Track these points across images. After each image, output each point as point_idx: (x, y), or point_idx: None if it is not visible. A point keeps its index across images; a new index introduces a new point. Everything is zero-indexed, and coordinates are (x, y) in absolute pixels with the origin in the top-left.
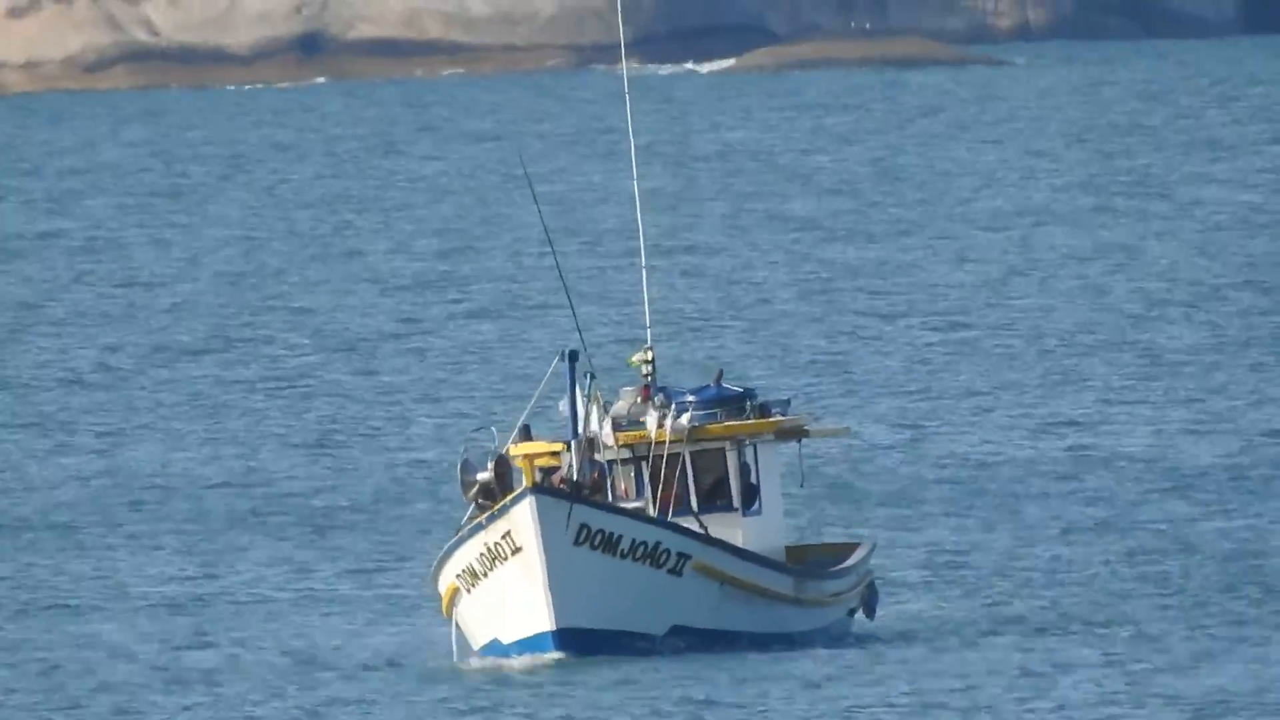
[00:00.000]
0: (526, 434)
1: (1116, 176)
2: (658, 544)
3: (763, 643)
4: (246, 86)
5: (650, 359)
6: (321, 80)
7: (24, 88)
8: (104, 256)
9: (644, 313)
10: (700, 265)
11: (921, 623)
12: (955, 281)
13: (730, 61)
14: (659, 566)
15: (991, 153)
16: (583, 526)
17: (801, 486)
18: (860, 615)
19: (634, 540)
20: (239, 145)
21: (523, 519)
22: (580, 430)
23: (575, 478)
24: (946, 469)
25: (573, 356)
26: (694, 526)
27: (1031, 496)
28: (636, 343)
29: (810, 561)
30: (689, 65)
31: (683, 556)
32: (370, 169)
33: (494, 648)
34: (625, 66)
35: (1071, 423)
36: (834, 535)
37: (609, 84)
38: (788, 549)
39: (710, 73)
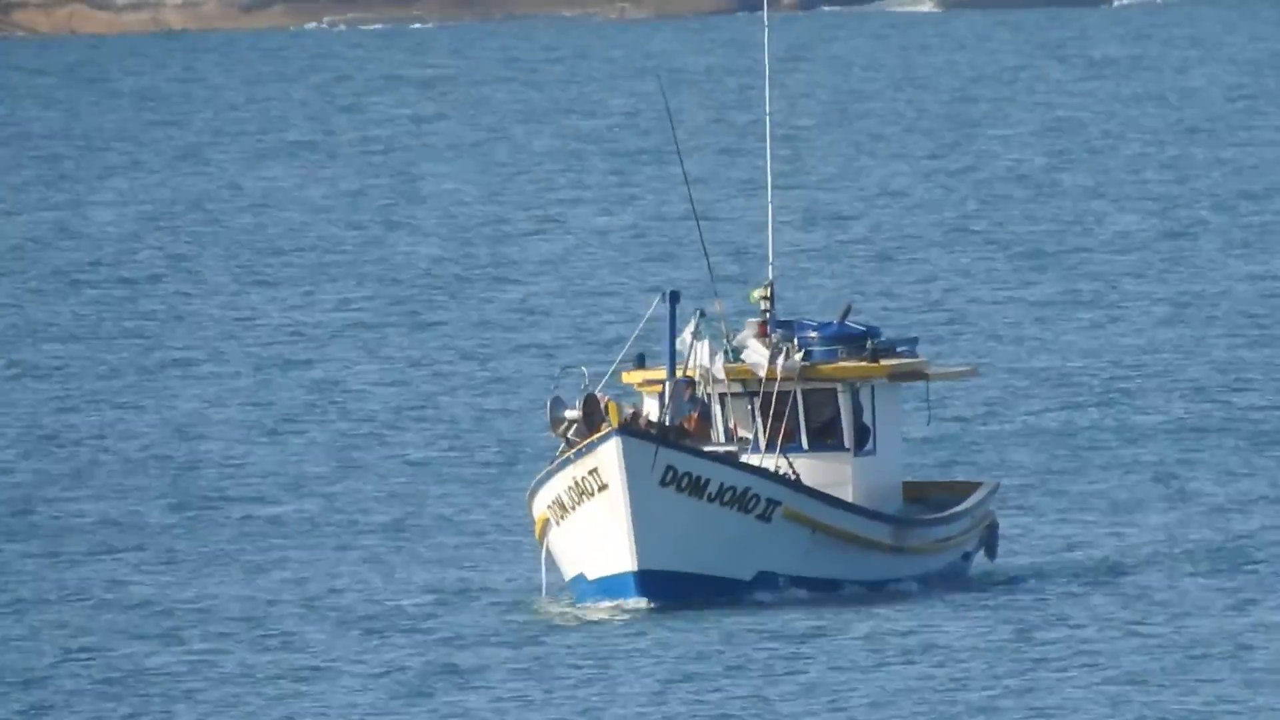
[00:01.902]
0: (641, 363)
1: None
2: (747, 489)
3: (857, 591)
4: (412, 24)
5: (769, 294)
6: (477, 20)
7: (183, 25)
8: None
9: (768, 248)
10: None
11: (1036, 573)
12: (1129, 228)
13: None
14: (747, 512)
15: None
16: (669, 469)
17: (928, 424)
18: (981, 557)
19: (722, 484)
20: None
21: (609, 458)
22: (679, 373)
23: (669, 420)
24: (1084, 422)
25: (674, 298)
26: (795, 466)
27: (1178, 462)
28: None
29: (924, 504)
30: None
31: (772, 502)
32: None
33: (579, 582)
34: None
35: (1243, 386)
36: (963, 476)
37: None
38: (906, 485)
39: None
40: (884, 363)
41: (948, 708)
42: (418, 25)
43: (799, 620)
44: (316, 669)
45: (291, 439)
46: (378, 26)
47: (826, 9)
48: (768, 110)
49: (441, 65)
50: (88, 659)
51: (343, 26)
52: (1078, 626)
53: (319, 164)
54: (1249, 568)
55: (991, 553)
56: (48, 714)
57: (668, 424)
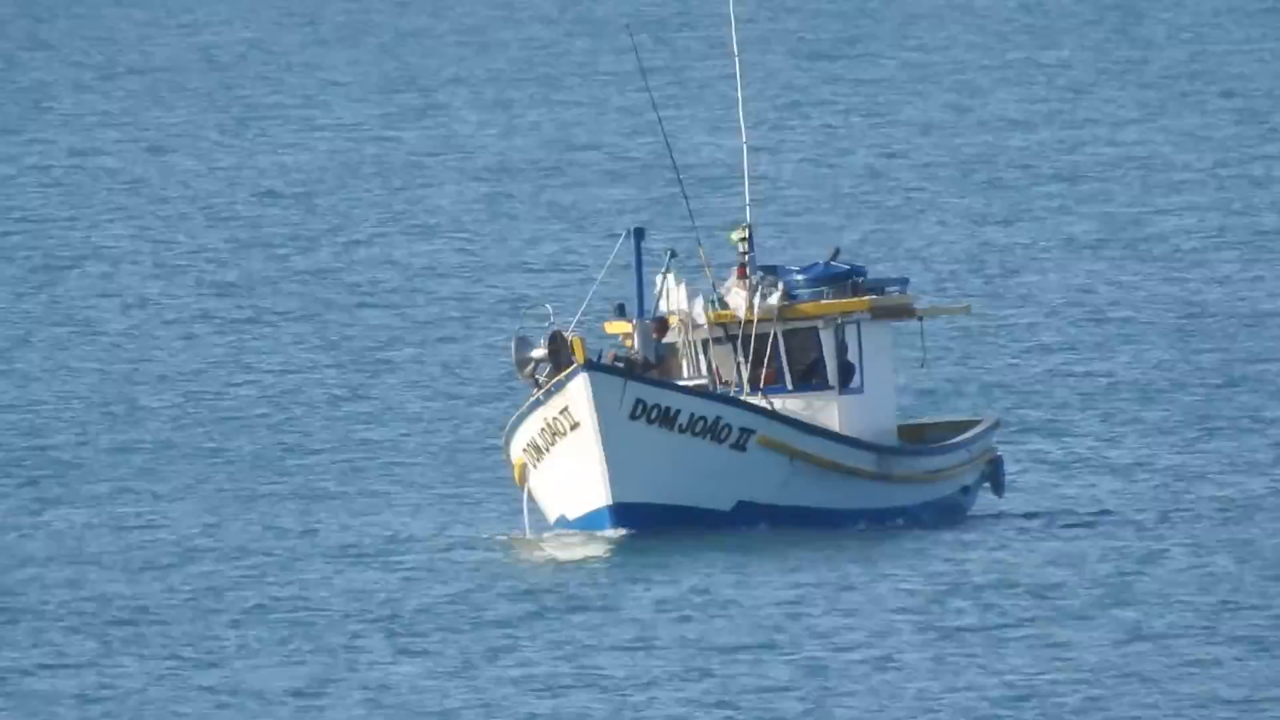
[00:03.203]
0: (621, 312)
1: None
2: (719, 419)
3: (846, 519)
4: None
5: (747, 236)
6: None
7: None
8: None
9: (744, 190)
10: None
11: (1040, 512)
12: (1127, 179)
13: None
14: (721, 441)
15: None
16: (638, 401)
17: (922, 366)
18: (986, 492)
19: (693, 415)
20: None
21: (578, 395)
22: (649, 311)
23: (639, 356)
24: (1094, 365)
25: (639, 234)
26: (781, 407)
27: (1178, 415)
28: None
29: (921, 438)
30: None
31: (746, 431)
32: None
33: (561, 523)
34: None
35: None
36: (962, 414)
37: None
38: (904, 428)
39: None
40: (863, 298)
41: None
42: None
43: (781, 558)
44: (309, 608)
45: (262, 380)
46: None
47: None
48: (734, 51)
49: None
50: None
51: None
52: (1082, 565)
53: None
54: (1247, 525)
55: (998, 488)
56: None
57: (637, 360)
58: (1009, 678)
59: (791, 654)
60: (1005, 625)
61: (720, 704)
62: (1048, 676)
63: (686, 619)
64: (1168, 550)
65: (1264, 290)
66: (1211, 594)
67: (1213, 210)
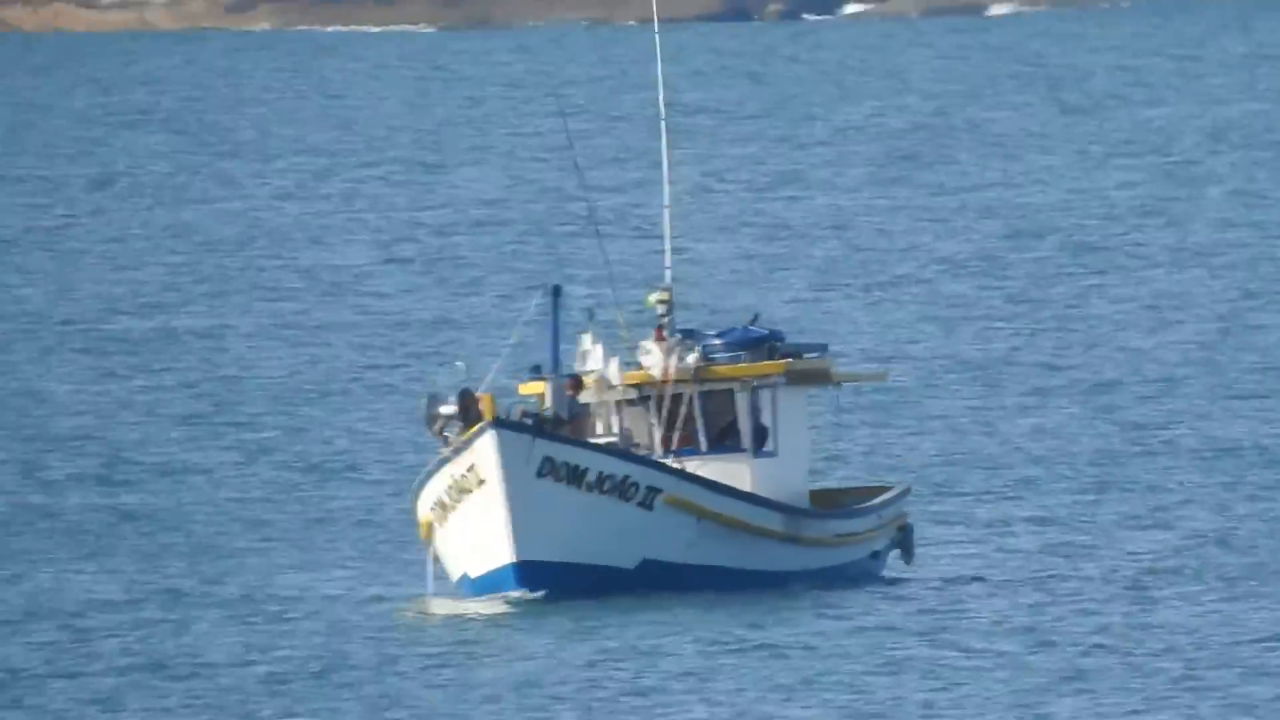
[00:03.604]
0: (537, 372)
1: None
2: (626, 477)
3: (754, 580)
4: (391, 29)
5: (667, 299)
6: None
7: (168, 26)
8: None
9: (665, 253)
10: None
11: (955, 577)
12: (1027, 248)
13: (868, 5)
14: (628, 500)
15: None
16: (546, 459)
17: (838, 430)
18: (896, 559)
19: (601, 473)
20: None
21: (485, 451)
22: (564, 368)
23: (550, 413)
24: (1002, 432)
25: (556, 291)
26: (695, 469)
27: (1088, 466)
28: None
29: (833, 503)
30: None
31: (653, 490)
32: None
33: (465, 581)
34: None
35: (1138, 398)
36: (877, 481)
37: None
38: (817, 492)
39: (849, 16)
40: (779, 362)
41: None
42: (409, 28)
43: (677, 614)
44: (200, 664)
45: (177, 428)
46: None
47: (809, 17)
48: (662, 115)
49: (436, 69)
50: None
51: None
52: (982, 631)
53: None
54: (1157, 575)
55: (908, 555)
56: None
57: (548, 417)
58: None
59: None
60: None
61: None
62: None
63: (592, 674)
64: (1074, 615)
65: (1170, 357)
66: (1123, 656)
67: (1113, 277)
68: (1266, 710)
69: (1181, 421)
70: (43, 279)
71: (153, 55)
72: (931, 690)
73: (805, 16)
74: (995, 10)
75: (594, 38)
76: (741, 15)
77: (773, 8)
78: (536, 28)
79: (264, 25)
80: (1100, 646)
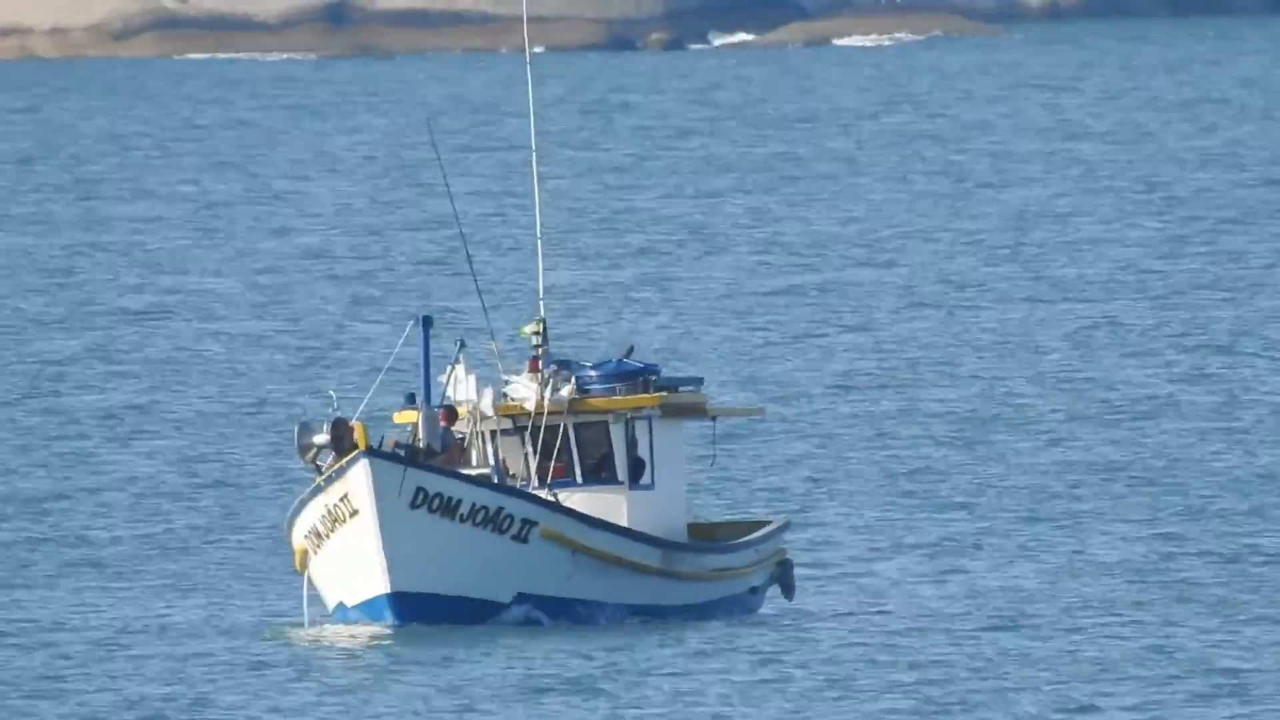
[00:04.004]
0: (411, 401)
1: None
2: (500, 509)
3: (629, 614)
4: (271, 57)
5: (540, 330)
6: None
7: (51, 54)
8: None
9: (539, 285)
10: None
11: (834, 610)
12: (887, 282)
13: (749, 36)
14: (502, 532)
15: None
16: (419, 489)
17: (712, 465)
18: (776, 594)
19: (474, 504)
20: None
21: (357, 481)
22: (436, 399)
23: (421, 443)
24: (888, 461)
25: (426, 322)
26: (570, 502)
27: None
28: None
29: (711, 537)
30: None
31: (528, 523)
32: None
33: (340, 611)
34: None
35: (998, 419)
36: (758, 515)
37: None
38: (694, 525)
39: (723, 46)
40: (654, 394)
41: None
42: (294, 58)
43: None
44: (63, 691)
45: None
46: (257, 57)
47: (694, 47)
48: (533, 147)
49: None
50: None
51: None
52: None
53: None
54: (1026, 612)
55: (788, 591)
56: None
57: (421, 447)
58: None
59: None
60: None
61: None
62: None
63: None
64: (958, 643)
65: (1026, 388)
66: (1006, 678)
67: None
68: None
69: (1058, 444)
70: None
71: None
72: None
73: (689, 46)
74: (851, 42)
75: (470, 65)
76: (625, 45)
77: (654, 37)
78: (417, 57)
79: (145, 53)
80: (980, 674)
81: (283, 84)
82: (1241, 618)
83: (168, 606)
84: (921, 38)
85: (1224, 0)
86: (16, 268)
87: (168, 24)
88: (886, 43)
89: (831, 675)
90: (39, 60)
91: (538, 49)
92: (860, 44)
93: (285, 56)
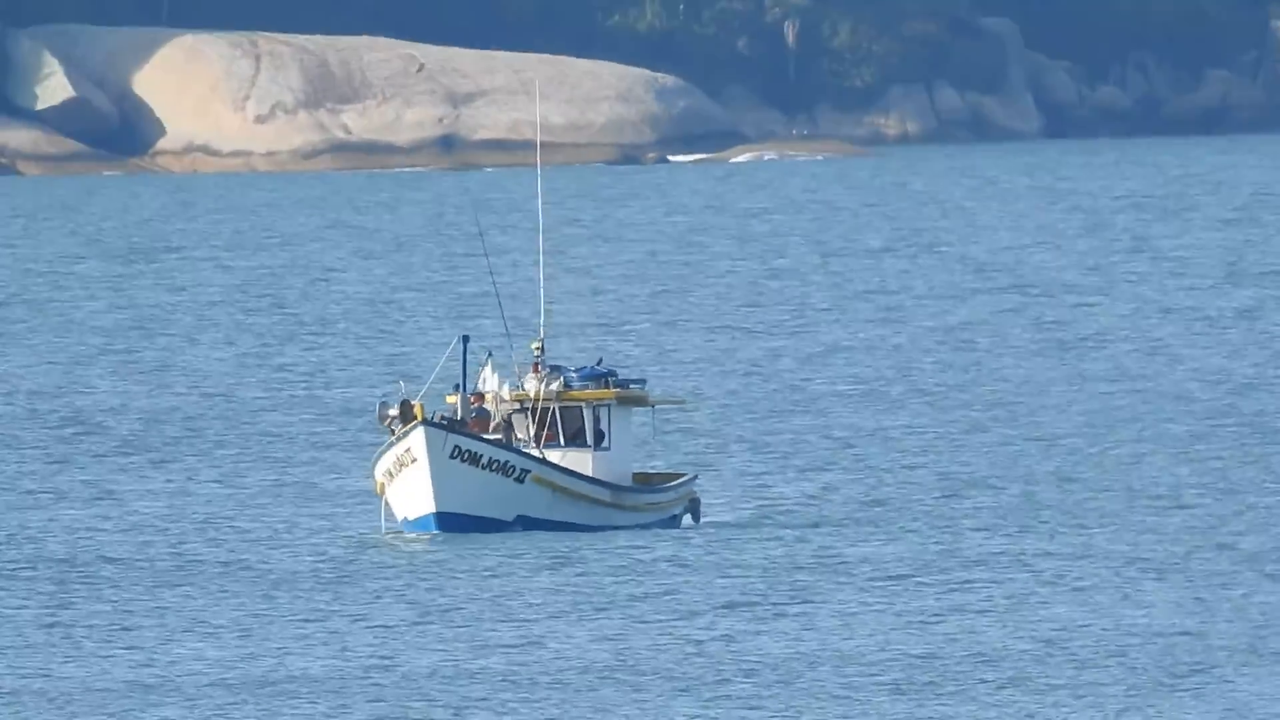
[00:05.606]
0: (455, 390)
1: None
2: (506, 461)
3: (589, 532)
4: (407, 170)
5: (540, 345)
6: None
7: (265, 168)
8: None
9: (540, 311)
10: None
11: (735, 536)
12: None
13: (705, 155)
14: (508, 476)
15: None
16: (456, 447)
17: (652, 439)
18: (688, 521)
19: (490, 458)
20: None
21: (417, 441)
22: (470, 388)
23: (459, 417)
24: (780, 430)
25: (465, 340)
26: (554, 457)
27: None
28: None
29: (647, 482)
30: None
31: (524, 470)
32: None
33: (404, 523)
34: (540, 161)
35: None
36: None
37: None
38: (637, 475)
39: (694, 161)
40: (613, 389)
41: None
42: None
43: (546, 554)
44: (239, 564)
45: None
46: (396, 170)
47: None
48: (540, 223)
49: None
50: None
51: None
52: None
53: None
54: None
55: (696, 518)
56: None
57: (457, 419)
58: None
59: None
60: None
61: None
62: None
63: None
64: (847, 550)
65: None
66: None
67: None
68: None
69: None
70: None
71: (250, 188)
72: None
73: (670, 158)
74: (771, 157)
75: (524, 178)
76: (631, 160)
77: (650, 155)
78: (426, 171)
79: (325, 168)
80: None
81: (409, 187)
82: (1242, 617)
83: (286, 510)
84: (819, 157)
85: (1015, 131)
86: None
87: (339, 148)
88: (801, 157)
89: (721, 562)
90: (258, 173)
91: (557, 164)
92: (771, 158)
93: (412, 169)
